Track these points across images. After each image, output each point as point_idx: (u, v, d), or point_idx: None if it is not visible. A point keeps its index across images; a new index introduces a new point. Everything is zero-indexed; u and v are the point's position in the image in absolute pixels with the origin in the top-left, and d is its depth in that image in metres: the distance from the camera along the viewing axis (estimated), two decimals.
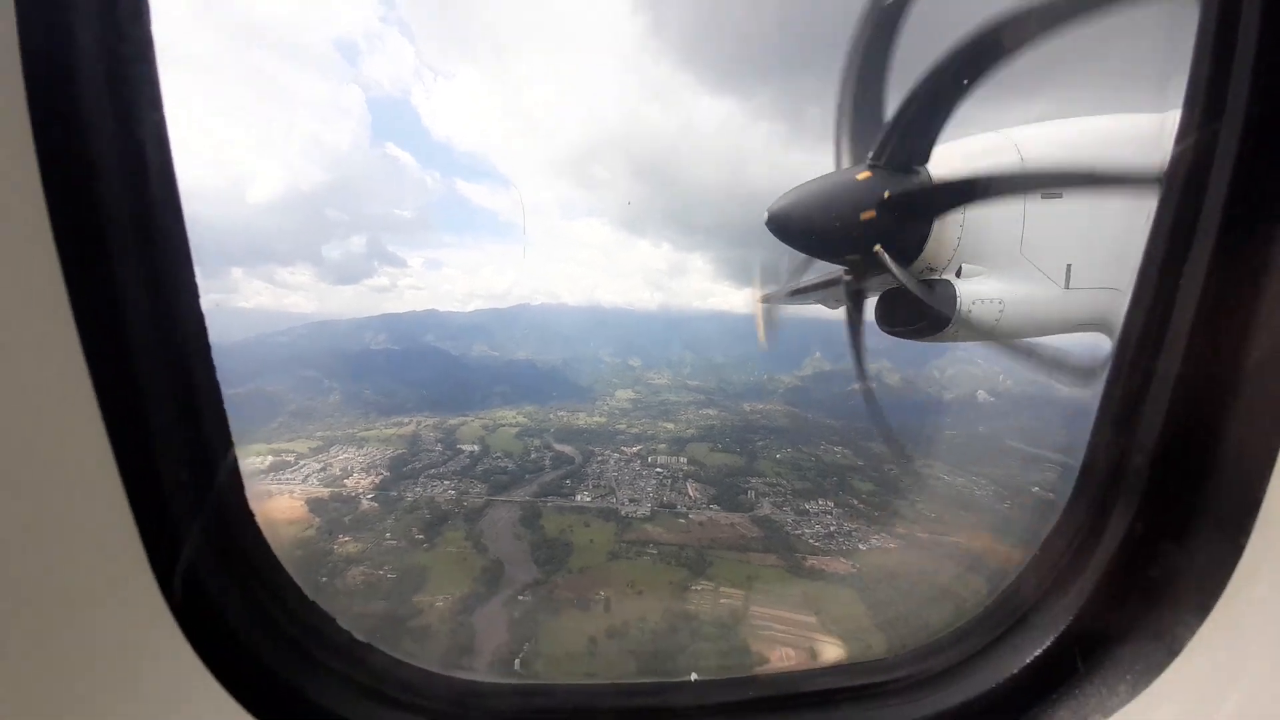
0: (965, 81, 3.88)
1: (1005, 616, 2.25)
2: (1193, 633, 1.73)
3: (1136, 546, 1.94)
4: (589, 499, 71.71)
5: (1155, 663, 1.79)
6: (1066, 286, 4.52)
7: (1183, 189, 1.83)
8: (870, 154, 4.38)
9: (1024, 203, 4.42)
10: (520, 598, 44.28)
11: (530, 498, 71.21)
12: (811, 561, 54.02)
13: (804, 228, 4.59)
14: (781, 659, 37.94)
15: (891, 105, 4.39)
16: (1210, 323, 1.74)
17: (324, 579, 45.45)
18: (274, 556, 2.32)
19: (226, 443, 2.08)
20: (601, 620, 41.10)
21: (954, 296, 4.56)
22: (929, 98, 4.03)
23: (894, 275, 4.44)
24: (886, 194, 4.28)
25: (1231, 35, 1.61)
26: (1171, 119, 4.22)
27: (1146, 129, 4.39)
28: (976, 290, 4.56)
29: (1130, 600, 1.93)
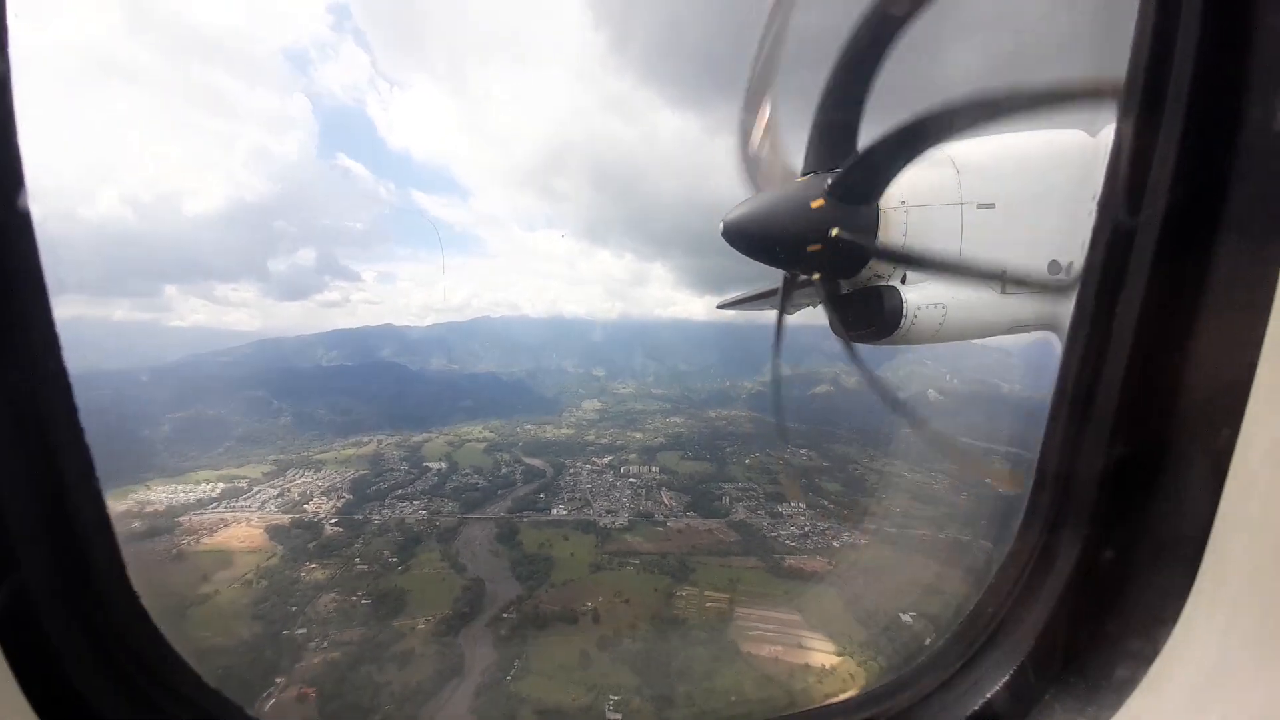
0: (932, 141, 4.17)
1: (961, 652, 2.20)
2: (1155, 655, 1.69)
3: (1091, 568, 1.90)
4: (565, 512, 70.94)
5: (1119, 686, 1.76)
6: (1003, 291, 4.81)
7: (1122, 200, 1.83)
8: (829, 182, 4.52)
9: (961, 211, 4.65)
10: (505, 615, 43.39)
11: (505, 514, 69.83)
12: (790, 561, 55.31)
13: (755, 240, 4.81)
14: (770, 656, 38.70)
15: (865, 128, 4.56)
16: (1153, 338, 1.74)
17: (293, 608, 43.18)
18: (164, 644, 1.97)
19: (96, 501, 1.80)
20: (592, 631, 40.80)
21: (900, 302, 4.75)
22: (896, 148, 4.22)
23: (862, 250, 4.67)
24: (834, 231, 4.46)
25: (1168, 44, 1.63)
26: (1102, 133, 4.50)
27: (1076, 142, 4.80)
28: (922, 296, 4.76)
29: (1089, 624, 1.90)
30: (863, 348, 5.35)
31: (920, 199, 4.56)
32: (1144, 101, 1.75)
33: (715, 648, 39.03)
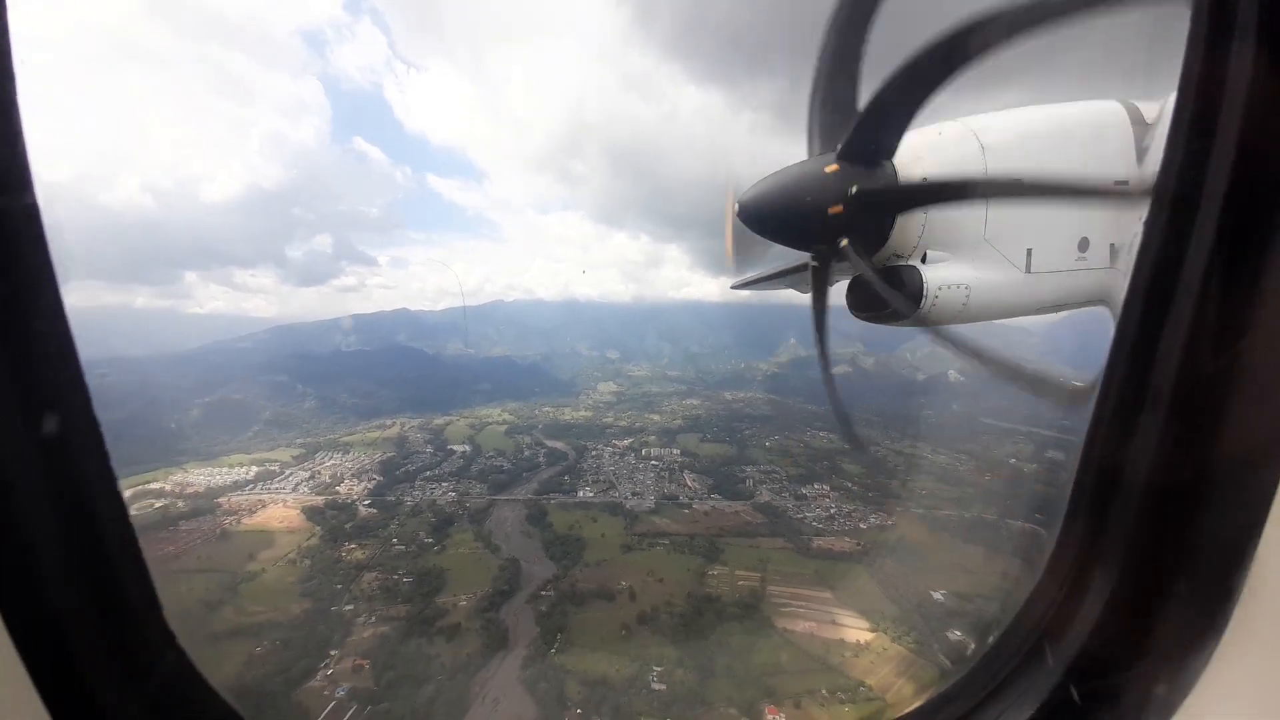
0: (934, 81, 3.91)
1: (1002, 667, 2.16)
2: (1196, 678, 1.64)
3: (1133, 586, 1.84)
4: (592, 494, 71.97)
5: (1160, 707, 1.70)
6: (1027, 270, 4.61)
7: (1173, 206, 1.73)
8: (839, 146, 4.38)
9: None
10: (543, 593, 44.52)
11: (533, 495, 71.04)
12: (818, 543, 55.76)
13: (774, 217, 4.65)
14: (805, 632, 39.38)
15: (864, 94, 4.39)
16: (1203, 342, 1.66)
17: (338, 586, 44.64)
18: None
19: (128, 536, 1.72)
20: (629, 608, 41.77)
21: (921, 282, 4.58)
22: (898, 95, 4.04)
23: (860, 268, 4.51)
24: (854, 189, 4.30)
25: (1228, 33, 1.54)
26: (1135, 108, 4.39)
27: (1104, 117, 4.63)
28: (942, 275, 4.59)
29: (1130, 642, 1.84)
30: (884, 329, 5.20)
31: (943, 173, 4.38)
32: (1201, 88, 1.63)
33: (751, 623, 39.82)
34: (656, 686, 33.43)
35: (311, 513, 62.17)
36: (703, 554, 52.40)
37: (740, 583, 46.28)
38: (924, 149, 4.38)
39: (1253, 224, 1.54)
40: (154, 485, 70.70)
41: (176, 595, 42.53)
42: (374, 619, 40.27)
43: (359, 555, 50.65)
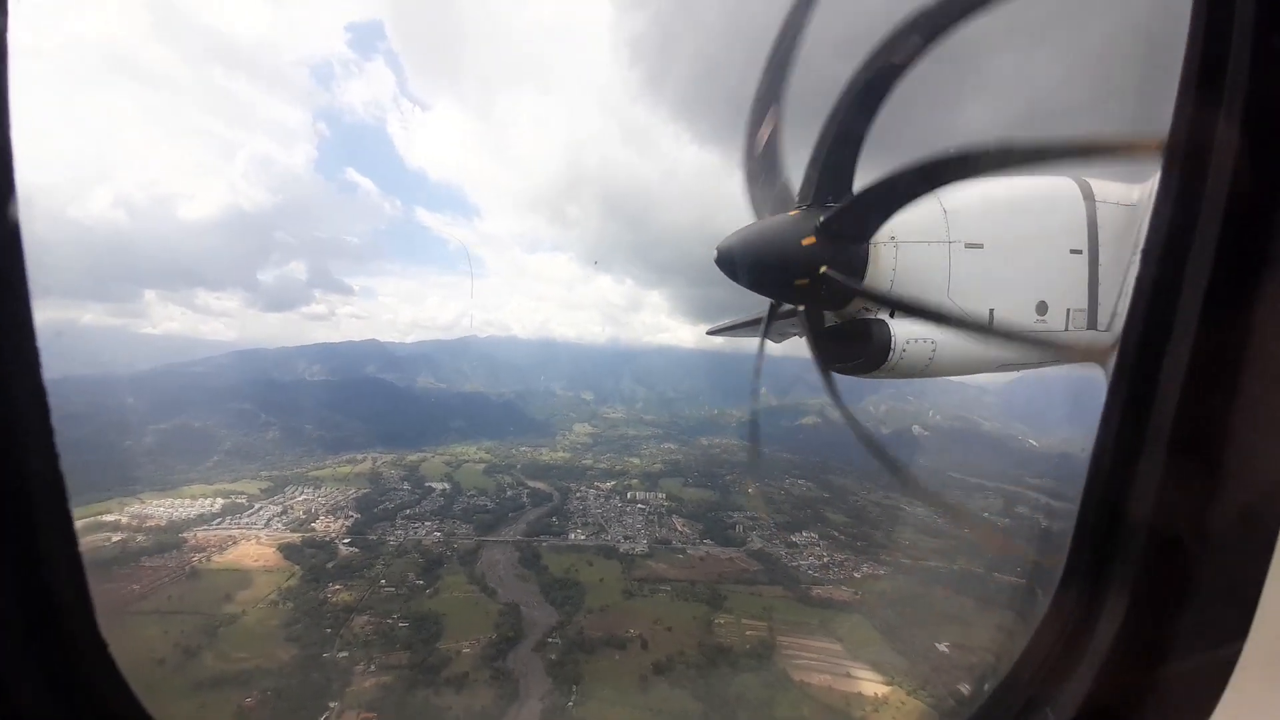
0: (927, 189, 4.17)
1: (1006, 710, 2.12)
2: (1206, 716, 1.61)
3: (1135, 635, 1.81)
4: (583, 537, 70.26)
5: None
6: (991, 329, 4.79)
7: (1162, 257, 1.78)
8: (821, 220, 4.56)
9: (949, 250, 4.67)
10: (550, 640, 42.71)
11: (522, 537, 68.82)
12: (816, 591, 55.77)
13: (745, 270, 4.82)
14: (823, 685, 38.93)
15: (861, 169, 4.62)
16: (1202, 391, 1.67)
17: (328, 630, 41.71)
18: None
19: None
20: (642, 657, 40.42)
21: (889, 336, 4.69)
22: (893, 194, 4.27)
23: (848, 291, 4.68)
24: (823, 270, 4.49)
25: (1216, 95, 1.61)
26: (1086, 184, 5.02)
27: (1058, 191, 4.97)
28: (910, 330, 4.70)
29: (1133, 693, 1.81)
30: (847, 382, 5.31)
31: (910, 236, 4.60)
32: (1189, 148, 1.70)
33: (767, 675, 39.13)
34: None
35: (289, 550, 58.49)
36: (706, 601, 51.59)
37: (748, 632, 45.64)
38: (878, 179, 4.53)
39: (1244, 270, 1.59)
40: (108, 517, 65.35)
41: (149, 639, 39.08)
42: (373, 667, 37.68)
43: (346, 597, 47.64)
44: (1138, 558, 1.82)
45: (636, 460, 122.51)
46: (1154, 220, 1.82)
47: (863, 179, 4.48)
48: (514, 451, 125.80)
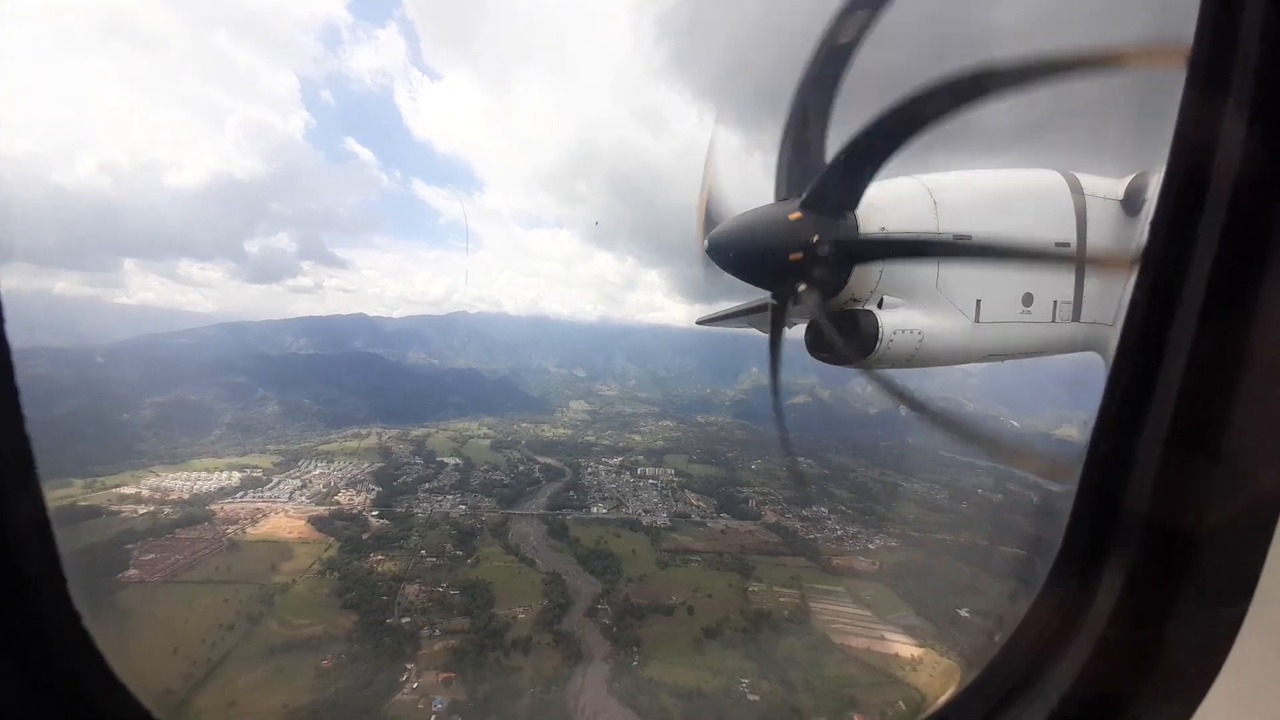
0: (898, 140, 4.09)
1: (991, 697, 2.14)
2: (1195, 707, 1.63)
3: (1131, 615, 1.82)
4: (605, 510, 72.08)
5: None
6: (976, 320, 4.80)
7: (1165, 248, 1.80)
8: (804, 196, 4.54)
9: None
10: (599, 606, 44.46)
11: (546, 511, 70.35)
12: (837, 562, 58.46)
13: (738, 257, 4.84)
14: (863, 648, 41.50)
15: (832, 145, 4.60)
16: (1203, 375, 1.68)
17: (383, 598, 42.77)
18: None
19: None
20: (691, 623, 42.46)
21: (876, 326, 4.71)
22: (864, 151, 4.22)
23: (815, 314, 4.69)
24: (815, 238, 4.45)
25: (1220, 102, 1.63)
26: (1074, 177, 4.99)
27: (1045, 184, 4.99)
28: (897, 321, 4.73)
29: (1128, 672, 1.82)
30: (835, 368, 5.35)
31: (900, 227, 4.62)
32: (1188, 149, 1.71)
33: (809, 639, 41.51)
34: (751, 697, 34.35)
35: (320, 523, 59.02)
36: (736, 571, 53.84)
37: (781, 599, 48.02)
38: (882, 202, 4.62)
39: (1247, 263, 1.61)
40: (126, 489, 64.84)
41: (209, 607, 39.68)
42: (437, 631, 38.98)
43: (390, 567, 48.62)
44: (1134, 544, 1.83)
45: (638, 437, 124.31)
46: (1157, 213, 1.85)
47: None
48: (515, 427, 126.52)
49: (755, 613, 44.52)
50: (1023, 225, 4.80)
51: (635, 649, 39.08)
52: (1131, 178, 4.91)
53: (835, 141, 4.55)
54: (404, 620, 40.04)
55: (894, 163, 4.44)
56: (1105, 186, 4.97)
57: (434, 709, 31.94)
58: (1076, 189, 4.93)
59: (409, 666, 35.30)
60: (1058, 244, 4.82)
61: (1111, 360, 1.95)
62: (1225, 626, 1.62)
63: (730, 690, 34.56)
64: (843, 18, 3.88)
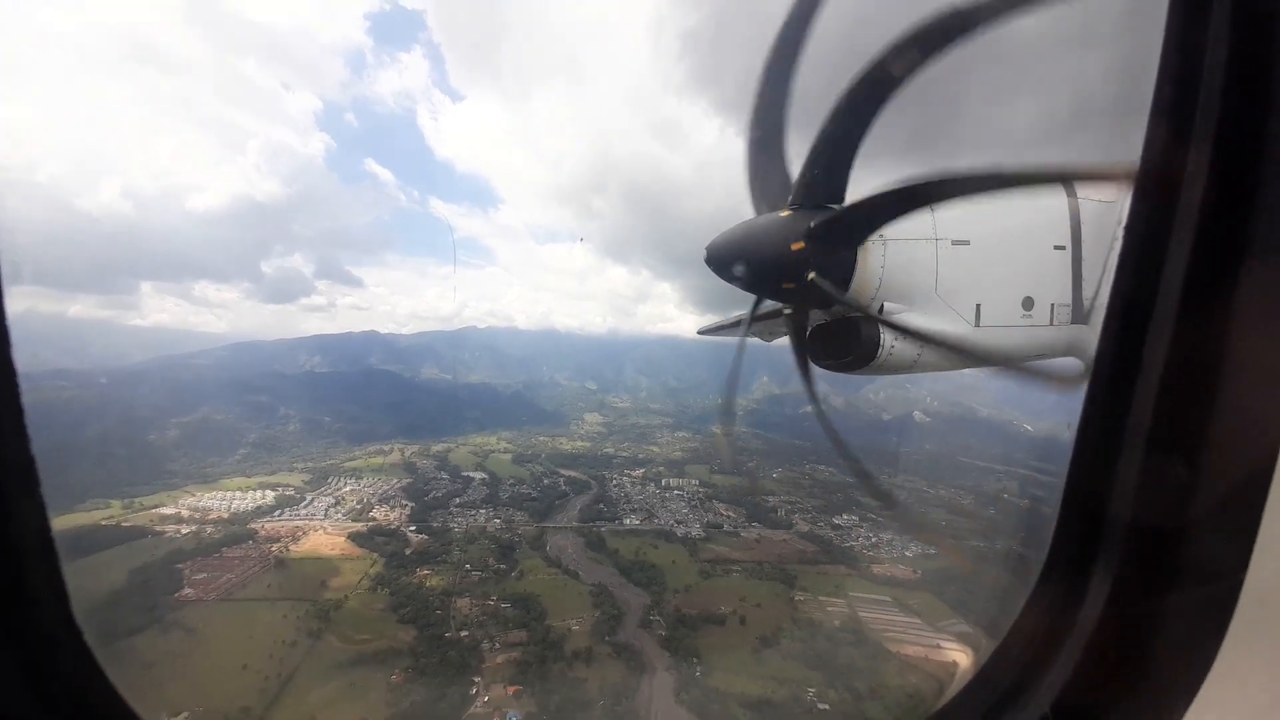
0: (866, 116, 4.10)
1: (983, 700, 2.14)
2: (1186, 709, 1.64)
3: (1120, 616, 1.83)
4: (637, 522, 72.22)
5: None
6: (976, 324, 4.78)
7: (1140, 249, 1.83)
8: (789, 199, 4.62)
9: (936, 247, 4.67)
10: (652, 618, 44.53)
11: (581, 523, 70.58)
12: (878, 570, 58.30)
13: (739, 261, 4.83)
14: (920, 656, 41.32)
15: (795, 164, 4.66)
16: (1183, 378, 1.70)
17: (437, 612, 43.02)
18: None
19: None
20: (744, 632, 42.46)
21: (877, 333, 4.71)
22: (833, 136, 4.26)
23: (833, 300, 4.70)
24: (812, 223, 4.50)
25: (1191, 99, 1.65)
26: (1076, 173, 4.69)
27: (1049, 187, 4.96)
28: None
29: (1117, 674, 1.83)
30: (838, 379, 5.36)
31: (898, 233, 4.64)
32: (1167, 145, 1.73)
33: (865, 648, 41.40)
34: (821, 706, 34.32)
35: (360, 539, 59.44)
36: (779, 580, 53.81)
37: (830, 609, 47.97)
38: (872, 193, 4.62)
39: (1222, 264, 1.62)
40: (165, 510, 65.48)
41: (269, 624, 40.02)
42: (496, 645, 39.14)
43: (437, 582, 48.90)
44: (1120, 546, 1.84)
45: (656, 448, 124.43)
46: (1131, 216, 1.89)
47: (856, 182, 4.54)
48: (533, 441, 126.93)
49: (807, 621, 44.53)
50: (1019, 227, 4.94)
51: (695, 659, 39.17)
52: None
53: (798, 153, 4.65)
54: (462, 634, 40.28)
55: (887, 171, 4.56)
56: (1100, 189, 5.01)
57: None
58: (1071, 191, 5.00)
59: (476, 680, 35.47)
60: (1055, 246, 4.89)
61: (1091, 362, 1.99)
62: (1212, 628, 1.62)
63: (799, 699, 34.56)
64: (900, 50, 3.80)
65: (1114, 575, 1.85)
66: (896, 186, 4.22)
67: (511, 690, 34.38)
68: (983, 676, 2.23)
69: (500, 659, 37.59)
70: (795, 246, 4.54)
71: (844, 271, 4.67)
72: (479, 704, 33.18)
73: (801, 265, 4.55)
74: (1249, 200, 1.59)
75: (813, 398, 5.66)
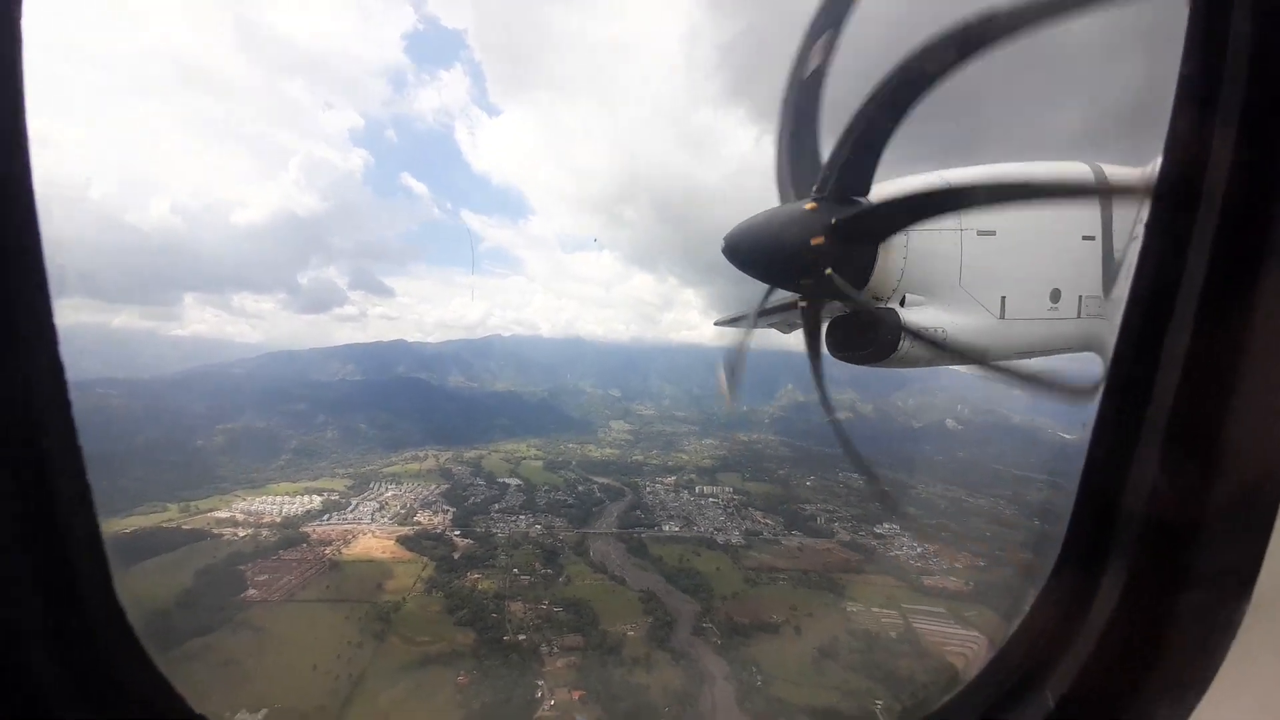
0: (895, 113, 4.02)
1: (994, 692, 2.15)
2: (1198, 701, 1.63)
3: (1133, 610, 1.82)
4: (676, 529, 72.09)
5: None
6: (1001, 317, 4.67)
7: (1161, 247, 1.82)
8: (814, 189, 4.50)
9: (961, 238, 4.54)
10: (704, 625, 44.43)
11: (622, 529, 70.79)
12: (928, 581, 57.11)
13: (758, 252, 4.72)
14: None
15: (826, 146, 4.56)
16: (1204, 372, 1.68)
17: (493, 615, 43.61)
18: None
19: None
20: (800, 643, 42.08)
21: (899, 323, 4.60)
22: (864, 131, 4.18)
23: (847, 297, 4.61)
24: (834, 220, 4.38)
25: (1212, 101, 1.64)
26: (1100, 170, 4.72)
27: (1071, 176, 4.84)
28: (920, 318, 4.61)
29: (1130, 667, 1.82)
30: (873, 373, 5.42)
31: (922, 223, 4.57)
32: (1190, 137, 1.73)
33: (928, 661, 40.60)
34: (882, 718, 33.81)
35: (409, 543, 60.58)
36: (827, 589, 53.18)
37: (884, 620, 47.20)
38: (898, 194, 4.57)
39: (1242, 262, 1.62)
40: (221, 514, 67.61)
41: (334, 625, 41.00)
42: (555, 649, 39.54)
43: (489, 585, 49.56)
44: (1134, 542, 1.84)
45: (685, 456, 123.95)
46: (1152, 210, 1.88)
47: (880, 178, 4.49)
48: (563, 448, 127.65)
49: (863, 633, 43.90)
50: (1048, 217, 4.77)
51: (755, 668, 38.93)
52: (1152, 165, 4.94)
53: (829, 141, 4.56)
54: (520, 637, 40.73)
55: (912, 170, 4.51)
56: (1132, 179, 4.75)
57: None
58: (1103, 181, 4.83)
59: (539, 683, 35.87)
60: (1084, 237, 4.72)
61: (1110, 358, 1.97)
62: (1225, 624, 1.62)
63: (867, 711, 34.08)
64: (936, 48, 3.77)
65: (1128, 571, 1.84)
66: (924, 190, 4.19)
67: (577, 695, 34.67)
68: (994, 667, 2.19)
69: (560, 663, 37.91)
70: (815, 241, 4.44)
71: (864, 266, 4.61)
72: (546, 707, 33.58)
73: (820, 261, 4.46)
74: (1271, 198, 1.60)
75: (820, 388, 5.59)
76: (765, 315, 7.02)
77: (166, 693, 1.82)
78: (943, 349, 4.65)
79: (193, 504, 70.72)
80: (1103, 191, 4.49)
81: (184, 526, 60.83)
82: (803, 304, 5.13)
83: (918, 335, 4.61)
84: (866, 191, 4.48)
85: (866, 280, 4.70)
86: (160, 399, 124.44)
